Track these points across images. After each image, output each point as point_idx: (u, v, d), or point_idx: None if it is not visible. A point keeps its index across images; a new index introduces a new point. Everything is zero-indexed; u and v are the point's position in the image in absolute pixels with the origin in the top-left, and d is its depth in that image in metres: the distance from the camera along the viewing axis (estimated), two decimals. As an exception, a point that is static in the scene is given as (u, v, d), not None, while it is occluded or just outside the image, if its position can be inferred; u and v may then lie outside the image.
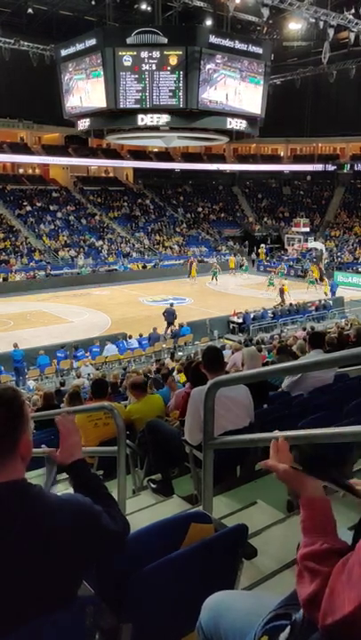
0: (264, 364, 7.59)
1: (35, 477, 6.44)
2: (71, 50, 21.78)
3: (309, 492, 1.26)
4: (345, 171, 47.04)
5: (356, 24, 23.20)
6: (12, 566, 1.35)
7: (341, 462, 3.40)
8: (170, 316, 22.10)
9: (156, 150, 46.25)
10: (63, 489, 5.45)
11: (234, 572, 1.94)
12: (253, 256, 41.25)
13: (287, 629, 1.24)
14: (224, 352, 8.10)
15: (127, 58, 20.01)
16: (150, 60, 19.93)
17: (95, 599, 1.58)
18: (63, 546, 1.43)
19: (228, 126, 21.76)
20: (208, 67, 20.17)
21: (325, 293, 27.94)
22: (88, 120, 22.73)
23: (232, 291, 31.48)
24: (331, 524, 1.23)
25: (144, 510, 3.54)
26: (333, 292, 28.04)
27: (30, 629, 1.34)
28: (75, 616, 1.45)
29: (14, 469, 1.46)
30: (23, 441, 1.48)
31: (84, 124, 23.15)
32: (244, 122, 22.29)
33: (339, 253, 39.21)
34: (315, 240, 39.57)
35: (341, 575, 1.06)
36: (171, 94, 20.25)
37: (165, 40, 19.84)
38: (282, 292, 26.88)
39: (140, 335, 20.14)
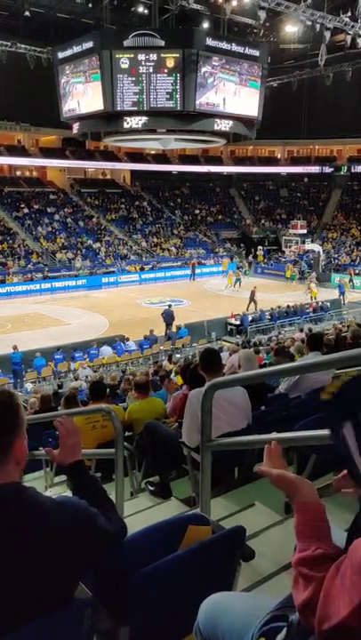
0: (262, 366, 7.60)
1: (32, 480, 6.44)
2: (68, 52, 21.78)
3: (303, 497, 1.26)
4: (342, 173, 47.11)
5: (353, 26, 23.26)
6: (9, 568, 1.35)
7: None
8: (168, 317, 22.11)
9: (153, 152, 46.25)
10: (61, 491, 5.45)
11: (232, 573, 1.94)
12: (251, 258, 41.24)
13: (284, 631, 1.25)
14: (222, 354, 8.10)
15: (124, 60, 20.03)
16: (147, 63, 19.95)
17: (93, 601, 1.58)
18: (59, 548, 1.43)
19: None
20: (205, 69, 20.20)
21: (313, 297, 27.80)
22: (83, 123, 22.77)
23: (230, 293, 31.50)
24: (325, 528, 1.22)
25: (142, 512, 3.54)
26: (342, 293, 28.01)
27: (28, 631, 1.34)
28: (72, 618, 1.46)
29: (8, 473, 1.46)
30: (18, 444, 1.49)
31: (78, 128, 23.21)
32: (239, 124, 22.32)
33: (336, 255, 39.28)
34: (312, 242, 39.62)
35: (335, 580, 1.05)
36: (168, 97, 20.27)
37: (162, 42, 19.85)
38: (253, 293, 26.35)
39: (145, 337, 20.08)
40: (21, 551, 1.37)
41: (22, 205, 39.35)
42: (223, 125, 21.64)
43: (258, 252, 41.31)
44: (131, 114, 20.79)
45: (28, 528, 1.40)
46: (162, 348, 20.18)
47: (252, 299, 26.08)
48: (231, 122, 21.85)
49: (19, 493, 1.45)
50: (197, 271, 36.43)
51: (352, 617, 0.99)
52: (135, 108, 20.49)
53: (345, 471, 1.31)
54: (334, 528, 1.24)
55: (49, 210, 40.28)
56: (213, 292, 32.14)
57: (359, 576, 1.00)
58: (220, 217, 47.81)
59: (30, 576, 1.38)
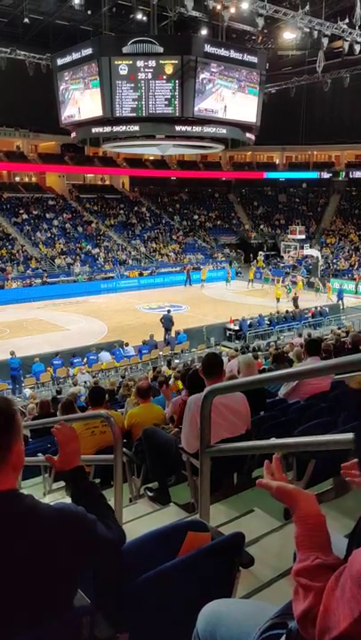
0: (261, 372, 7.59)
1: (30, 486, 6.42)
2: (67, 59, 21.88)
3: (303, 509, 1.25)
4: (340, 178, 47.29)
5: (350, 33, 23.41)
6: (7, 575, 1.35)
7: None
8: (167, 322, 22.11)
9: (152, 158, 46.39)
10: (60, 497, 5.44)
11: (231, 580, 1.93)
12: (254, 263, 41.03)
13: (283, 638, 1.24)
14: (221, 359, 8.06)
15: (123, 67, 20.12)
16: (146, 69, 20.05)
17: (91, 609, 1.57)
18: (58, 555, 1.42)
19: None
20: (203, 76, 20.30)
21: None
22: (83, 129, 22.87)
23: (228, 298, 31.53)
24: (325, 539, 1.21)
25: (141, 519, 3.53)
26: (341, 299, 28.06)
27: (27, 639, 1.33)
28: (71, 626, 1.45)
29: (6, 479, 1.46)
30: (15, 451, 1.48)
31: (78, 134, 23.36)
32: (237, 130, 22.48)
33: (334, 260, 39.35)
34: (310, 247, 39.71)
35: (335, 591, 1.04)
36: (166, 103, 20.36)
37: (161, 49, 19.95)
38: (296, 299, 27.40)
39: (144, 342, 20.07)
40: (20, 558, 1.37)
41: (21, 211, 39.40)
42: (219, 131, 21.79)
43: (258, 258, 41.33)
44: (129, 120, 20.90)
45: (27, 535, 1.39)
46: (161, 353, 20.16)
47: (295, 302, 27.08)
48: (228, 128, 21.99)
49: (17, 500, 1.44)
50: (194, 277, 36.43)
51: (352, 629, 0.98)
52: (134, 114, 20.57)
53: (355, 460, 1.30)
54: (335, 535, 1.23)
55: (48, 215, 40.34)
56: (212, 297, 32.14)
57: (359, 587, 0.99)
58: (218, 222, 47.92)
59: (29, 584, 1.37)
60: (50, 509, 1.50)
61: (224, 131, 22.06)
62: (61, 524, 1.46)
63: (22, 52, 26.43)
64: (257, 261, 40.97)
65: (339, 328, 19.57)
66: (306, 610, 1.09)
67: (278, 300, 28.21)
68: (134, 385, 8.41)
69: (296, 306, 26.76)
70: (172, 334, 21.65)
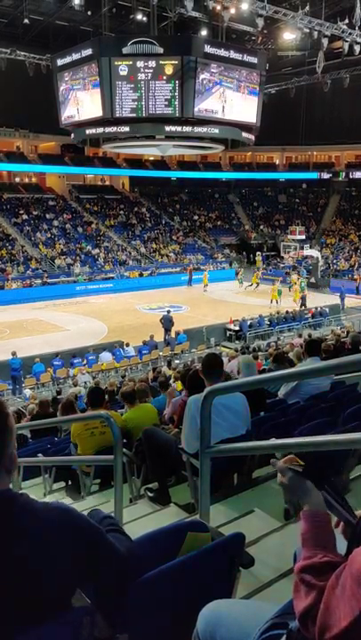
0: (261, 372, 7.59)
1: (30, 487, 6.41)
2: (67, 59, 21.90)
3: (312, 505, 1.25)
4: (340, 179, 47.34)
5: (350, 34, 23.42)
6: (3, 575, 1.34)
7: (338, 470, 3.40)
8: (167, 322, 22.11)
9: (152, 159, 46.41)
10: (60, 498, 5.44)
11: (231, 581, 1.92)
12: (262, 266, 40.91)
13: (283, 638, 1.24)
14: (221, 360, 8.04)
15: (123, 67, 20.13)
16: (146, 70, 20.06)
17: (91, 610, 1.56)
18: (55, 554, 1.41)
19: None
20: (203, 76, 20.31)
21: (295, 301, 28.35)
22: (82, 129, 22.89)
23: (228, 298, 31.52)
24: (331, 537, 1.22)
25: (141, 519, 3.53)
26: (342, 299, 28.05)
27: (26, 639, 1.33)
28: (71, 627, 1.44)
29: None
30: (6, 453, 1.47)
31: (77, 134, 23.40)
32: (236, 130, 22.52)
33: (335, 261, 39.36)
34: (310, 247, 39.72)
35: (336, 590, 1.04)
36: (166, 103, 20.37)
37: (161, 50, 19.97)
38: (303, 298, 27.72)
39: (144, 343, 20.06)
40: (17, 557, 1.36)
41: (21, 211, 39.42)
42: (211, 130, 21.81)
43: (257, 258, 41.31)
44: (129, 121, 20.91)
45: (24, 534, 1.39)
46: (161, 353, 20.16)
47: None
48: (227, 128, 22.00)
49: (12, 500, 1.44)
50: (194, 277, 36.45)
51: (353, 627, 0.98)
52: (134, 115, 20.58)
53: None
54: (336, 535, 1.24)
55: (48, 216, 40.36)
56: (212, 297, 32.14)
57: (359, 586, 0.99)
58: (218, 223, 47.92)
59: (28, 583, 1.36)
60: (47, 507, 1.49)
61: (217, 131, 22.06)
62: (59, 523, 1.46)
63: (22, 53, 26.47)
64: (255, 262, 40.98)
65: (339, 328, 19.58)
66: (308, 607, 1.09)
67: (277, 301, 28.17)
68: (135, 385, 8.38)
69: (304, 304, 26.84)
70: (172, 335, 21.65)
